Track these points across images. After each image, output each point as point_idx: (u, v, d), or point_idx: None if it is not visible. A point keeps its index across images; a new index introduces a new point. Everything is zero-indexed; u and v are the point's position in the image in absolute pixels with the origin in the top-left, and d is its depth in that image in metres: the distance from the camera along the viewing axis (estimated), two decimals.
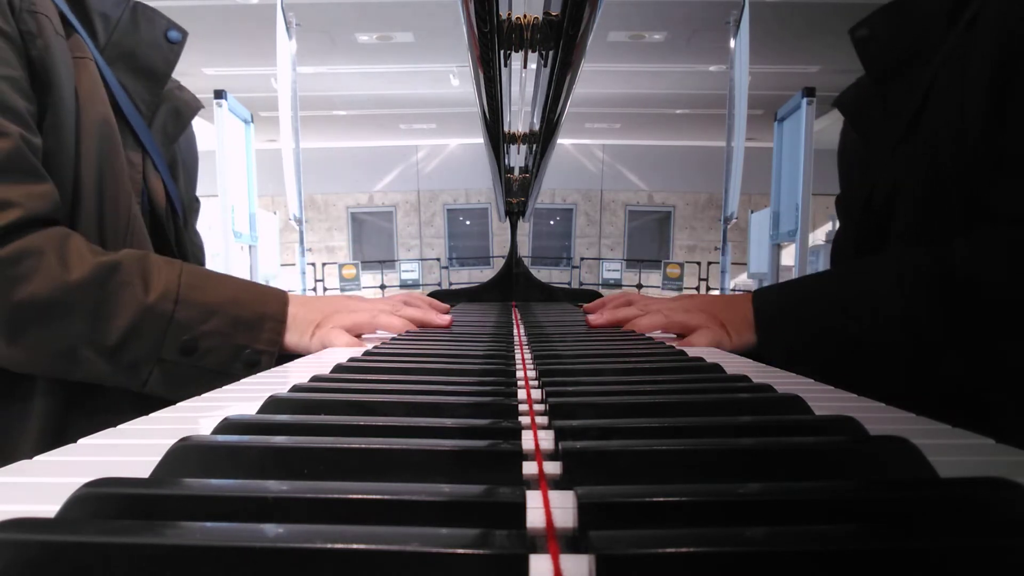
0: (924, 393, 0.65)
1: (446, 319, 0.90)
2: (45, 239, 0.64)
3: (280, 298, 0.75)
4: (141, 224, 0.76)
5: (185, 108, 0.88)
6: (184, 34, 0.85)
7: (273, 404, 0.38)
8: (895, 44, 0.77)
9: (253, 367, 0.70)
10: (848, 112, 0.86)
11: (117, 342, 0.66)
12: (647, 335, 0.82)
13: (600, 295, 1.67)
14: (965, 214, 0.65)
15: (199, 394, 0.70)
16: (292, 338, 0.75)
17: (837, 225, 0.93)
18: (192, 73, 6.07)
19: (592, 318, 0.91)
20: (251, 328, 0.70)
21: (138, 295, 0.66)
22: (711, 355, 0.64)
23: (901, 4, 0.79)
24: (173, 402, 0.77)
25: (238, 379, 0.67)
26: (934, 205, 0.68)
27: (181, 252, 0.87)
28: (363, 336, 0.82)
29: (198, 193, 0.98)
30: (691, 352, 0.63)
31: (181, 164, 0.89)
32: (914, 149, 0.71)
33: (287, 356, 0.76)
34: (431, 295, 1.69)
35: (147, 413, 0.61)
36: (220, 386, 0.67)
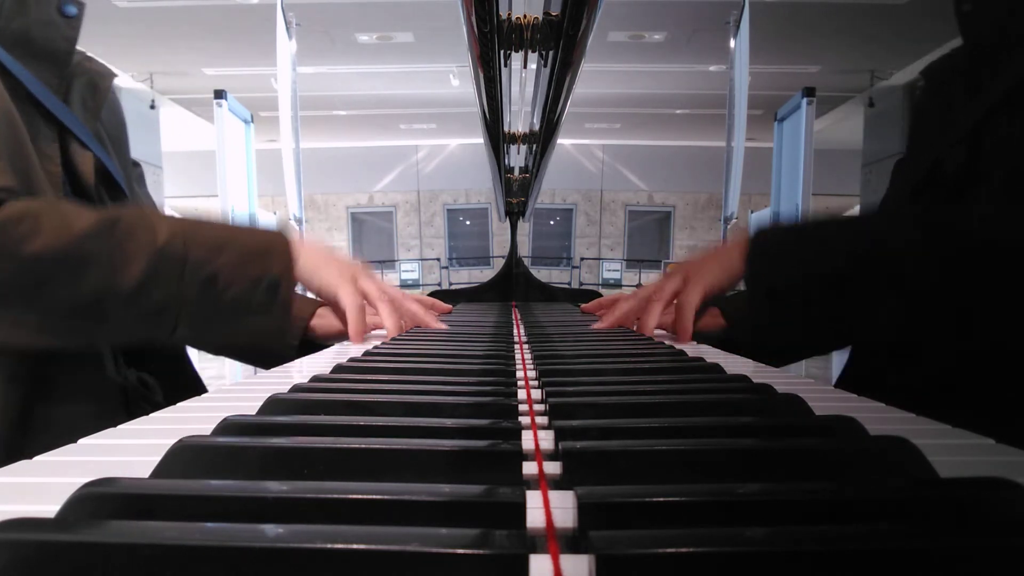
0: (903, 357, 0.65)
1: (443, 327, 0.91)
2: (37, 203, 0.63)
3: (282, 232, 0.76)
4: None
5: (100, 79, 0.85)
6: (81, 5, 0.80)
7: (273, 404, 0.38)
8: (999, 21, 0.74)
9: (274, 294, 0.71)
10: (931, 84, 0.83)
11: (137, 286, 0.65)
12: (646, 336, 0.82)
13: (600, 295, 1.67)
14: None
15: (231, 335, 0.72)
16: (306, 269, 0.77)
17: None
18: (192, 73, 6.07)
19: (596, 325, 0.92)
20: (261, 257, 0.71)
21: (148, 238, 0.66)
22: (711, 355, 0.64)
23: None
24: (124, 399, 0.76)
25: (267, 314, 0.70)
26: (1017, 184, 0.65)
27: None
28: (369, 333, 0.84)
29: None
30: (690, 351, 0.63)
31: (107, 135, 0.86)
32: (997, 127, 0.69)
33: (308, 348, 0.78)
34: (431, 295, 1.69)
35: (101, 406, 0.59)
36: (250, 323, 0.70)
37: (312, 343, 0.86)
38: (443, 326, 0.91)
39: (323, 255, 0.80)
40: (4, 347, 0.65)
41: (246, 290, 0.70)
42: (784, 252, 0.70)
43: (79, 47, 0.81)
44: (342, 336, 0.84)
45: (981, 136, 0.70)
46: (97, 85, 0.84)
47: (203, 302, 0.68)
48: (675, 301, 0.82)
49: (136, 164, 0.95)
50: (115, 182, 0.82)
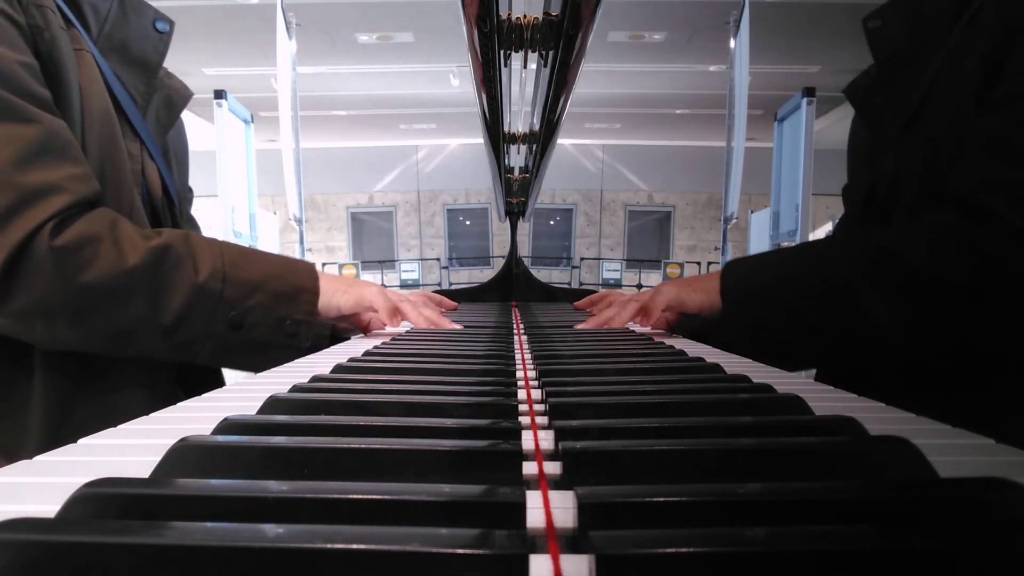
0: (885, 375, 0.69)
1: (457, 327, 0.95)
2: (99, 224, 0.66)
3: (311, 272, 0.80)
4: (142, 215, 0.77)
5: (177, 97, 0.89)
6: (171, 24, 0.87)
7: (273, 404, 0.38)
8: (904, 35, 0.79)
9: (294, 336, 0.76)
10: (857, 102, 0.87)
11: (173, 322, 0.69)
12: (646, 335, 0.82)
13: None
14: (942, 199, 0.67)
15: (244, 363, 0.75)
16: (324, 300, 0.80)
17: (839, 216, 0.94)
18: (192, 73, 6.06)
19: (580, 326, 0.94)
20: (290, 301, 0.76)
21: (190, 275, 0.70)
22: (711, 355, 0.64)
23: None
24: (186, 384, 0.79)
25: (279, 351, 0.73)
26: (932, 194, 0.69)
27: None
28: (370, 332, 0.88)
29: (199, 191, 0.99)
30: (690, 351, 0.63)
31: (173, 153, 0.90)
32: (915, 139, 0.73)
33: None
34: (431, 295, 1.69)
35: (153, 390, 0.62)
36: (266, 358, 0.72)
37: (339, 338, 0.90)
38: (457, 326, 0.94)
39: (343, 284, 0.84)
40: (37, 344, 0.68)
41: (271, 331, 0.75)
42: (751, 289, 0.75)
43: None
44: (366, 328, 0.92)
45: (903, 146, 0.74)
46: (173, 103, 0.88)
47: (229, 338, 0.73)
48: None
49: (190, 189, 0.98)
50: (172, 198, 0.86)
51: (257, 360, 0.75)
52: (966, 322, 0.63)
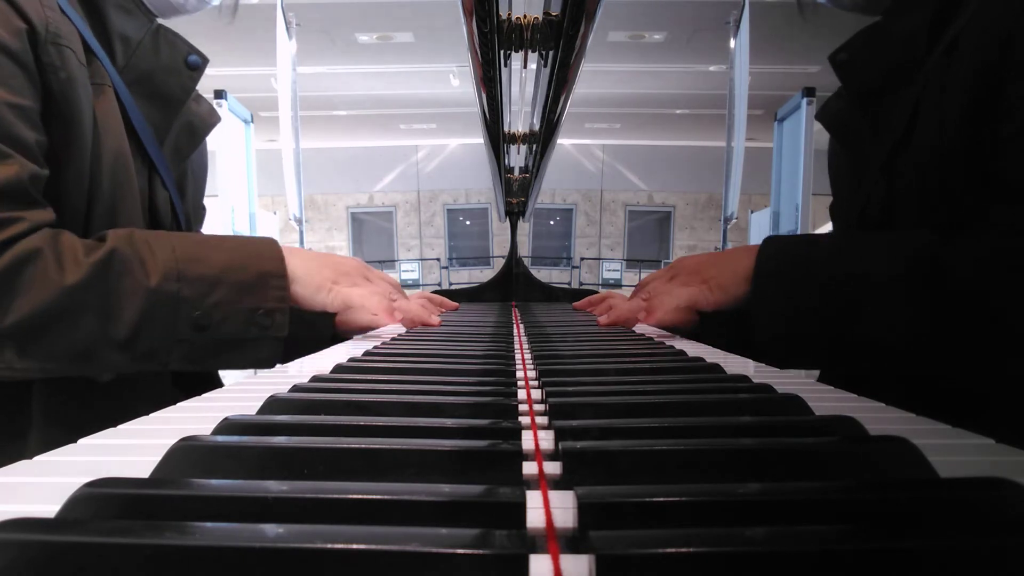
0: (905, 383, 0.67)
1: (437, 321, 0.92)
2: (39, 239, 0.62)
3: (274, 253, 0.73)
4: None
5: (200, 124, 0.86)
6: (205, 60, 0.84)
7: (273, 404, 0.38)
8: (877, 65, 0.78)
9: (267, 328, 0.70)
10: (833, 129, 0.87)
11: (130, 333, 0.65)
12: (646, 336, 0.82)
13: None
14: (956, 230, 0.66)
15: (221, 363, 0.71)
16: (306, 292, 0.75)
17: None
18: None
19: (602, 320, 0.93)
20: (256, 290, 0.70)
21: (140, 280, 0.65)
22: (711, 355, 0.64)
23: (879, 27, 0.80)
24: (182, 385, 0.78)
25: (259, 345, 0.70)
26: (931, 219, 0.69)
27: None
28: (366, 334, 0.84)
29: None
30: (689, 351, 0.63)
31: (191, 176, 0.88)
32: (905, 166, 0.73)
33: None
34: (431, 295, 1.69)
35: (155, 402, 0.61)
36: (242, 355, 0.69)
37: (340, 339, 0.88)
38: (437, 321, 0.92)
39: (327, 276, 0.78)
40: (6, 378, 0.64)
41: (240, 325, 0.69)
42: (792, 274, 0.70)
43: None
44: (368, 327, 0.85)
45: (892, 171, 0.73)
46: (196, 129, 0.85)
47: (196, 340, 0.68)
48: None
49: (203, 208, 0.96)
50: (179, 224, 0.84)
51: (236, 357, 0.70)
52: (998, 349, 0.60)
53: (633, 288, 0.99)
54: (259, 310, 0.70)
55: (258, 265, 0.71)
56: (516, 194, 1.84)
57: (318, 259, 0.80)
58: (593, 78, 6.36)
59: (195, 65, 0.83)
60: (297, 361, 0.68)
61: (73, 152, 0.68)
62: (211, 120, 0.88)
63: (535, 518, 0.23)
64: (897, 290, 0.64)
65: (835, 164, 0.91)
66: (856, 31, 0.83)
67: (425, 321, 0.90)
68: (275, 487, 0.23)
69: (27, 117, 0.64)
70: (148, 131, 0.78)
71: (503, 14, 0.76)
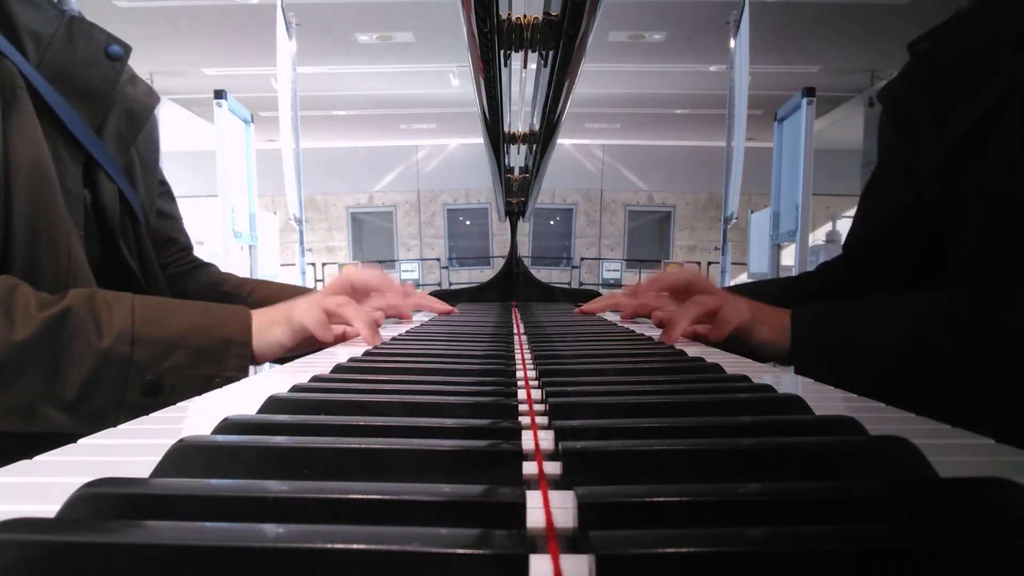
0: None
1: (411, 304, 0.86)
2: None
3: (242, 321, 0.70)
4: (82, 261, 0.71)
5: (139, 108, 0.82)
6: (127, 49, 0.79)
7: (273, 404, 0.38)
8: (957, 61, 0.75)
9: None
10: (893, 112, 0.83)
11: (77, 395, 0.62)
12: (646, 336, 0.81)
13: (600, 295, 1.67)
14: None
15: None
16: (259, 344, 0.71)
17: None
18: (192, 73, 6.06)
19: (624, 301, 0.91)
20: (215, 356, 0.67)
21: (92, 342, 0.62)
22: (711, 355, 0.64)
23: (964, 20, 0.77)
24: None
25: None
26: (998, 235, 0.66)
27: (142, 257, 0.83)
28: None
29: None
30: (689, 351, 0.63)
31: (137, 164, 0.84)
32: (970, 173, 0.69)
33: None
34: (431, 295, 1.69)
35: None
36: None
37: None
38: (407, 309, 0.87)
39: (280, 311, 0.73)
40: None
41: (195, 392, 0.63)
42: (826, 347, 0.68)
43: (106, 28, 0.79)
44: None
45: (953, 168, 0.71)
46: (135, 116, 0.81)
47: (146, 406, 0.63)
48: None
49: (163, 182, 0.93)
50: (135, 214, 0.81)
51: None
52: None
53: (631, 289, 0.98)
54: (216, 377, 0.66)
55: (222, 331, 0.68)
56: (516, 194, 1.84)
57: (280, 306, 0.75)
58: (593, 78, 6.36)
59: (116, 55, 0.78)
60: (297, 361, 0.68)
61: None
62: (150, 102, 0.84)
63: (535, 518, 0.23)
64: (950, 357, 0.60)
65: (886, 145, 0.86)
66: (941, 21, 0.78)
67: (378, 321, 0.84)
68: (275, 487, 0.23)
69: None
70: (82, 125, 0.74)
71: (503, 14, 0.75)
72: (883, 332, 0.65)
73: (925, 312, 0.64)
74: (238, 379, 0.66)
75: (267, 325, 0.72)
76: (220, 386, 0.65)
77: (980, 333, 0.59)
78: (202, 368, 0.66)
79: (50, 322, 0.61)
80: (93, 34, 0.76)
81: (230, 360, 0.67)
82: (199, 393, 0.64)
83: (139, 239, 0.82)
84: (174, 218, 0.99)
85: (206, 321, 0.68)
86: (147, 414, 0.64)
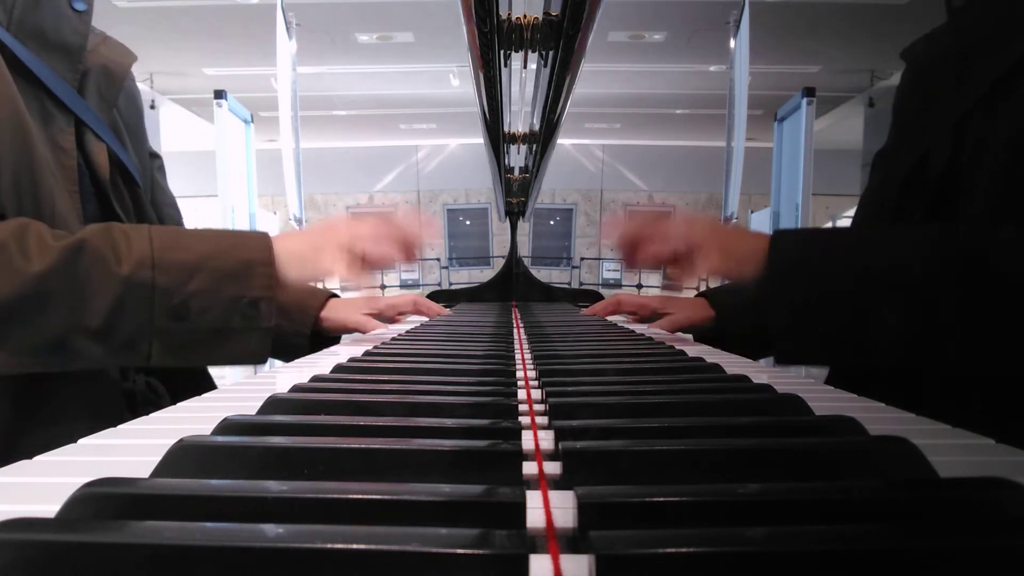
0: (918, 375, 0.64)
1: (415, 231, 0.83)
2: (4, 231, 0.61)
3: (262, 242, 0.70)
4: (71, 218, 0.71)
5: (116, 66, 0.82)
6: (89, 2, 0.79)
7: (273, 404, 0.38)
8: (990, 17, 0.72)
9: (253, 318, 0.67)
10: (915, 66, 0.81)
11: (104, 323, 0.62)
12: (646, 336, 0.82)
13: (600, 296, 1.67)
14: None
15: (210, 358, 0.69)
16: (292, 273, 0.71)
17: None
18: (192, 73, 6.06)
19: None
20: (239, 278, 0.67)
21: (112, 269, 0.63)
22: (711, 355, 0.64)
23: None
24: (131, 405, 0.75)
25: (244, 337, 0.66)
26: (1007, 187, 0.64)
27: (140, 218, 0.83)
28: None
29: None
30: (689, 351, 0.63)
31: (124, 124, 0.84)
32: (982, 134, 0.67)
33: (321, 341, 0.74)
34: (430, 296, 1.69)
35: (100, 418, 0.58)
36: (230, 347, 0.66)
37: (324, 336, 0.86)
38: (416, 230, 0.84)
39: (308, 250, 0.74)
40: None
41: (223, 315, 0.66)
42: (806, 266, 0.66)
43: (99, 28, 0.80)
44: (355, 328, 0.82)
45: (964, 131, 0.69)
46: (113, 73, 0.81)
47: (176, 331, 0.65)
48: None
49: (156, 156, 0.92)
50: (130, 174, 0.81)
51: (223, 351, 0.67)
52: None
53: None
54: (243, 298, 0.67)
55: (242, 252, 0.68)
56: (516, 194, 1.84)
57: (309, 239, 0.76)
58: (593, 78, 6.36)
59: (80, 8, 0.78)
60: (297, 361, 0.68)
61: None
62: (127, 60, 0.84)
63: (535, 518, 0.23)
64: (933, 284, 0.59)
65: (901, 107, 0.84)
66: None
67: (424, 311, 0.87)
68: (275, 487, 0.23)
69: None
70: (63, 84, 0.74)
71: (503, 14, 0.75)
72: (867, 255, 0.64)
73: (913, 242, 0.63)
74: (266, 304, 0.67)
75: (300, 262, 0.72)
76: (248, 313, 0.66)
77: (965, 269, 0.59)
78: (227, 290, 0.66)
79: (67, 253, 0.62)
80: None
81: (255, 280, 0.67)
82: (228, 318, 0.66)
83: (136, 201, 0.82)
84: (165, 192, 0.97)
85: (223, 245, 0.68)
86: (179, 343, 0.65)
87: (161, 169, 0.94)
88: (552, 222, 9.91)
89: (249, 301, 0.67)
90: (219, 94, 4.31)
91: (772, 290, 0.66)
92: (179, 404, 0.43)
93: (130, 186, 0.81)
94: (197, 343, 0.66)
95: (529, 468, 0.28)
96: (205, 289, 0.65)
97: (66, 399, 0.69)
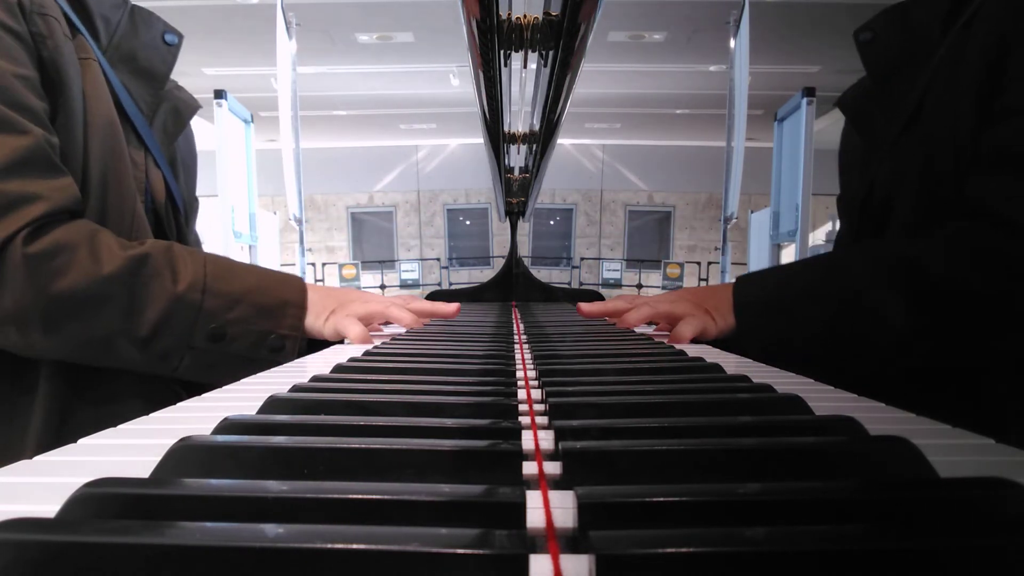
0: (894, 377, 0.68)
1: (453, 307, 0.93)
2: (76, 233, 0.66)
3: (298, 285, 0.77)
4: (144, 223, 0.77)
5: (184, 107, 0.89)
6: (180, 37, 0.88)
7: (273, 404, 0.38)
8: (895, 46, 0.80)
9: (278, 352, 0.73)
10: (849, 112, 0.88)
11: (149, 332, 0.68)
12: (646, 335, 0.82)
13: (600, 296, 1.67)
14: (958, 210, 0.67)
15: (229, 378, 0.71)
16: (309, 321, 0.78)
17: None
18: (192, 73, 6.06)
19: (584, 307, 0.94)
20: (273, 315, 0.74)
21: (168, 286, 0.69)
22: (711, 355, 0.64)
23: (901, 8, 0.81)
24: (177, 391, 0.78)
25: (264, 366, 0.69)
26: (929, 202, 0.70)
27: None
28: (371, 329, 0.85)
29: (199, 191, 0.99)
30: (689, 351, 0.63)
31: (181, 162, 0.91)
32: (910, 147, 0.73)
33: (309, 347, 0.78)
34: (430, 296, 1.69)
35: (151, 402, 0.61)
36: (248, 371, 0.68)
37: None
38: (455, 307, 0.93)
39: (332, 302, 0.80)
40: (14, 351, 0.67)
41: (253, 345, 0.72)
42: (768, 310, 0.73)
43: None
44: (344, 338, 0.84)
45: (897, 153, 0.74)
46: (181, 113, 0.89)
47: (209, 351, 0.71)
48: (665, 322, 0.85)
49: (196, 199, 0.98)
50: (177, 205, 0.86)
51: (241, 376, 0.72)
52: (990, 328, 0.62)
53: (633, 288, 0.99)
54: (272, 334, 0.73)
55: (281, 293, 0.75)
56: (516, 194, 1.84)
57: (330, 292, 0.83)
58: (593, 78, 6.36)
59: (171, 42, 0.87)
60: (297, 361, 0.68)
61: (65, 120, 0.70)
62: (194, 105, 0.92)
63: (535, 518, 0.23)
64: (876, 296, 0.66)
65: (847, 154, 0.90)
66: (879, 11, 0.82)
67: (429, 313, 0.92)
68: (275, 487, 0.23)
69: (32, 86, 0.67)
70: (137, 112, 0.81)
71: (503, 14, 0.75)
72: (814, 283, 0.72)
73: (851, 262, 0.71)
74: (291, 342, 0.74)
75: (321, 310, 0.78)
76: (274, 347, 0.73)
77: (902, 274, 0.65)
78: (261, 323, 0.73)
79: (133, 262, 0.68)
80: (152, 21, 0.86)
81: (286, 319, 0.74)
82: (256, 349, 0.72)
83: (179, 230, 0.87)
84: (192, 232, 1.02)
85: (267, 283, 0.75)
86: (208, 363, 0.70)
87: (196, 212, 0.99)
88: (552, 222, 9.91)
89: (277, 336, 0.74)
90: (219, 94, 4.31)
91: (741, 328, 0.75)
92: (179, 404, 0.43)
93: (176, 215, 0.87)
94: (223, 365, 0.72)
95: (529, 468, 0.28)
96: (243, 319, 0.72)
97: (121, 383, 0.74)
